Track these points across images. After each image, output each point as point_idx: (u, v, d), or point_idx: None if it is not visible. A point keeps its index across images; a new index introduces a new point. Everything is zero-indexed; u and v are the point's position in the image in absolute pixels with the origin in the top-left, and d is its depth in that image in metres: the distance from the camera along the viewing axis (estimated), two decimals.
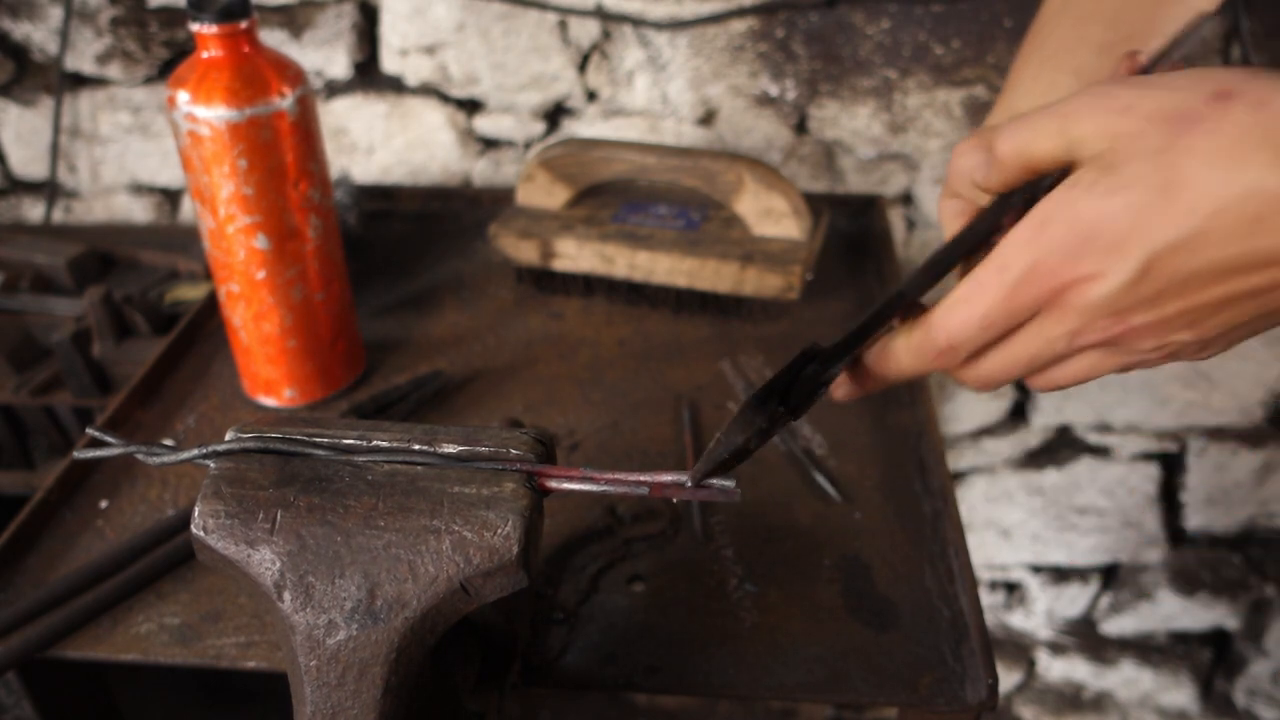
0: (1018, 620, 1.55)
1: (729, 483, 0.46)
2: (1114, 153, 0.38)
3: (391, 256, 1.05)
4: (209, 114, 0.70)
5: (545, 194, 0.97)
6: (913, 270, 0.46)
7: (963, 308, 0.42)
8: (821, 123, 1.15)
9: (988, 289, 0.41)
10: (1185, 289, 0.39)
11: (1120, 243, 0.38)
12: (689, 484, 0.44)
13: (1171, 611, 1.50)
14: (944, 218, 0.48)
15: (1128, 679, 1.58)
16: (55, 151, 1.21)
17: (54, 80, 1.19)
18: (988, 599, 1.52)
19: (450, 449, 0.46)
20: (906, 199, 1.20)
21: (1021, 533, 1.45)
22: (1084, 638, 1.55)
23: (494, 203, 1.13)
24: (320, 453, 0.46)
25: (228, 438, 0.47)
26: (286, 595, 0.44)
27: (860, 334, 0.46)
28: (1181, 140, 0.37)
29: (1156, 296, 0.39)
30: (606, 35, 1.12)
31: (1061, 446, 1.37)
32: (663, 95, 1.15)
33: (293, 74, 0.73)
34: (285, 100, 0.72)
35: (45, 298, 1.04)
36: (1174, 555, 1.45)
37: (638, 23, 1.10)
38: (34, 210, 1.28)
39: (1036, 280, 0.40)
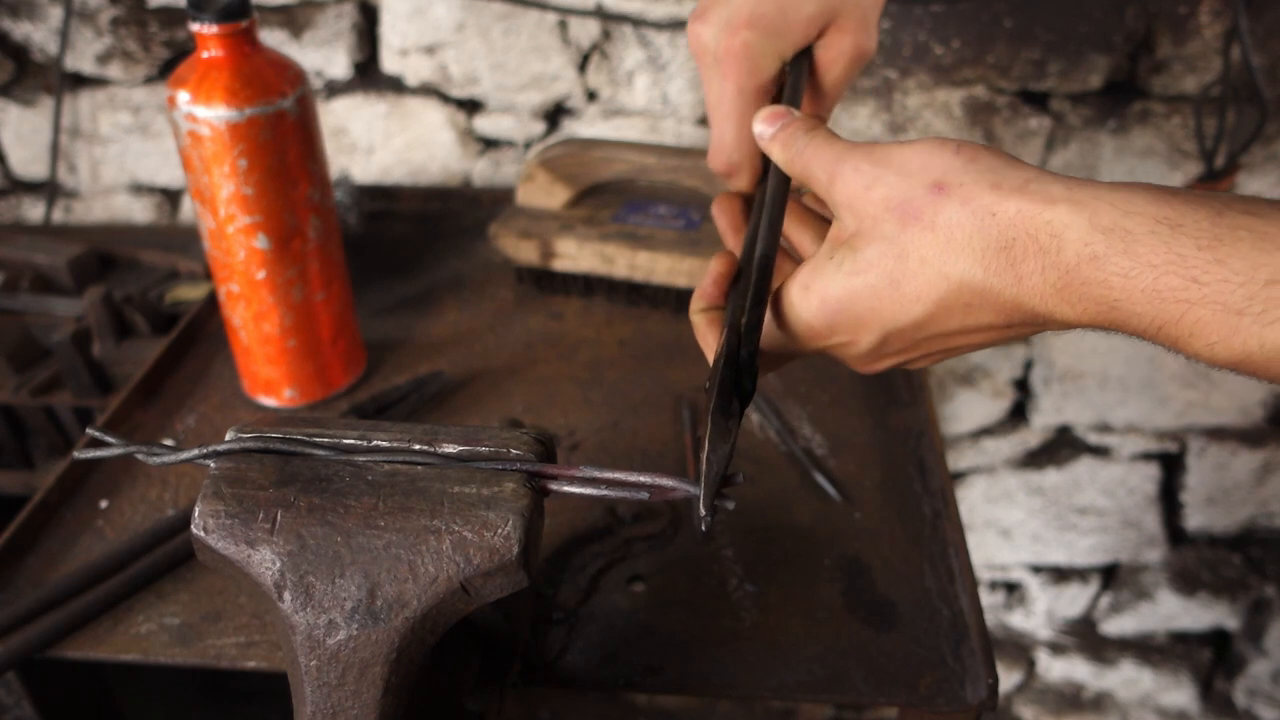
0: (1018, 620, 1.55)
1: (736, 475, 0.46)
2: (859, 235, 0.44)
3: (391, 256, 1.05)
4: (209, 114, 0.70)
5: (545, 194, 0.97)
6: (764, 229, 0.51)
7: (766, 334, 0.49)
8: None
9: (774, 335, 0.48)
10: (920, 346, 0.46)
11: (863, 321, 0.45)
12: (703, 513, 0.46)
13: (1171, 611, 1.50)
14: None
15: (1128, 679, 1.58)
16: (55, 151, 1.21)
17: (54, 80, 1.19)
18: (988, 599, 1.52)
19: (450, 449, 0.46)
20: None
21: (1021, 533, 1.45)
22: (1084, 638, 1.55)
23: (494, 203, 1.13)
24: (320, 453, 0.46)
25: (228, 438, 0.47)
26: (286, 595, 0.44)
27: (757, 303, 0.49)
28: (906, 232, 0.42)
29: (899, 351, 0.46)
30: (606, 35, 1.12)
31: (1061, 446, 1.37)
32: (663, 95, 1.15)
33: (293, 74, 0.73)
34: (285, 100, 0.72)
35: (45, 298, 1.04)
36: (1174, 555, 1.45)
37: (638, 23, 1.10)
38: (34, 210, 1.28)
39: (809, 340, 0.48)
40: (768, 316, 0.48)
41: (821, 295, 0.45)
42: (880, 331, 0.45)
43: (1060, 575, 1.49)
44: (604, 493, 0.46)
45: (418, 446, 0.46)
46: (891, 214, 0.42)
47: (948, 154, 0.42)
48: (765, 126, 0.51)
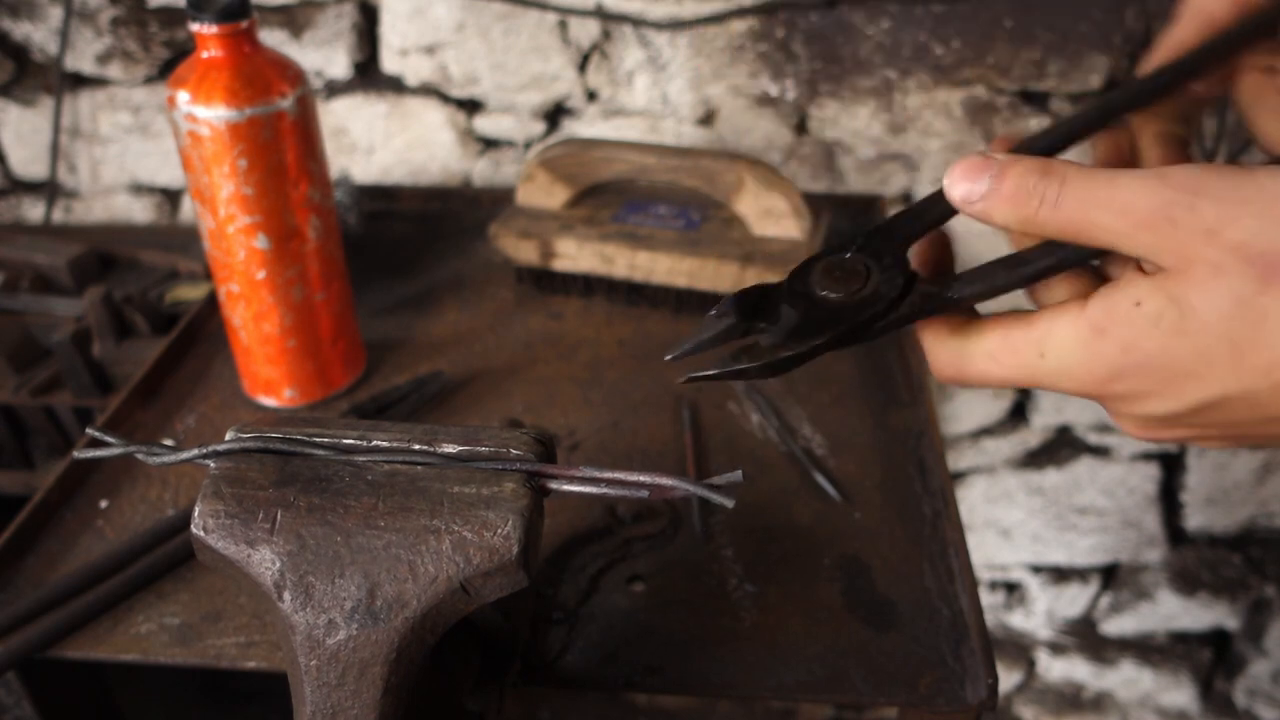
0: (1018, 620, 1.55)
1: (736, 474, 0.45)
2: (1187, 285, 0.34)
3: (391, 256, 1.05)
4: (209, 114, 0.70)
5: (545, 194, 0.97)
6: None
7: (992, 369, 0.40)
8: (821, 123, 1.15)
9: (1018, 371, 0.39)
10: (1234, 428, 0.37)
11: (1173, 382, 0.35)
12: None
13: (1171, 611, 1.50)
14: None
15: (1128, 679, 1.58)
16: (55, 151, 1.21)
17: (54, 80, 1.19)
18: (988, 599, 1.52)
19: (450, 449, 0.46)
20: (906, 199, 1.20)
21: (1021, 533, 1.45)
22: (1084, 638, 1.55)
23: (494, 203, 1.13)
24: (320, 453, 0.46)
25: (228, 438, 0.47)
26: (286, 595, 0.44)
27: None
28: (1268, 292, 0.33)
29: (1203, 425, 0.37)
30: (606, 35, 1.12)
31: (1061, 446, 1.37)
32: (663, 95, 1.15)
33: (293, 74, 0.73)
34: (285, 100, 0.72)
35: (45, 298, 1.04)
36: (1174, 555, 1.45)
37: (638, 23, 1.10)
38: (34, 210, 1.28)
39: (1077, 384, 0.38)
40: (1016, 332, 0.39)
41: (1124, 344, 0.36)
42: (1195, 399, 0.36)
43: (1060, 575, 1.49)
44: (604, 492, 0.46)
45: (418, 446, 0.46)
46: (1251, 266, 0.33)
47: None
48: (967, 184, 0.39)
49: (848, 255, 0.42)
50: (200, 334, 0.93)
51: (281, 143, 0.72)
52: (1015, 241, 0.42)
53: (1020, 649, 1.58)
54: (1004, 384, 0.40)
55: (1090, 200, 0.36)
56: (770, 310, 0.42)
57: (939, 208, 0.42)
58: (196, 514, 0.45)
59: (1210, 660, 1.55)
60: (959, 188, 0.39)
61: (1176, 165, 0.35)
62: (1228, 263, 0.33)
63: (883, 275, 0.41)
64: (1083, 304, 0.37)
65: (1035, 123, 1.14)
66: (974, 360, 0.40)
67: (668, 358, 0.43)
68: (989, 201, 0.38)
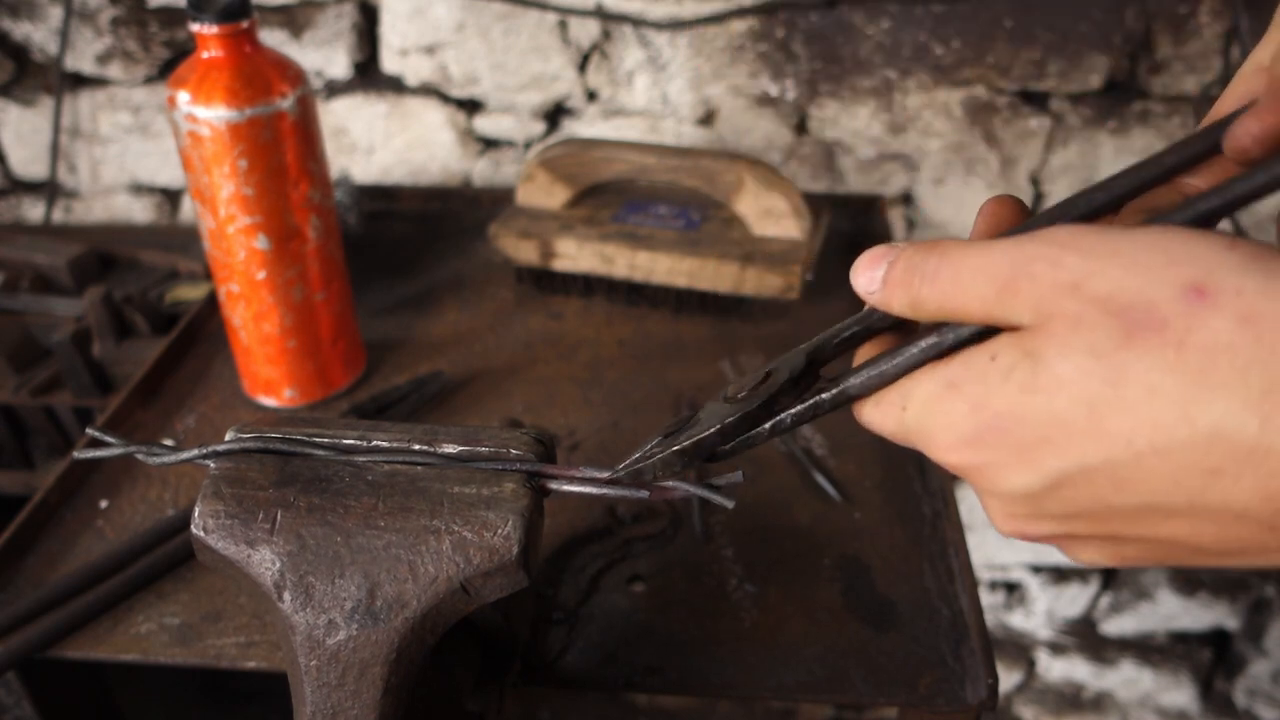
0: (1018, 620, 1.55)
1: (736, 474, 0.45)
2: (1043, 338, 0.31)
3: (391, 256, 1.05)
4: (209, 114, 0.70)
5: (545, 194, 0.97)
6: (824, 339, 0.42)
7: (875, 417, 0.39)
8: (821, 123, 1.15)
9: (886, 423, 0.38)
10: (1106, 521, 0.32)
11: (1030, 446, 0.32)
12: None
13: (1171, 611, 1.50)
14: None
15: (1128, 679, 1.58)
16: (55, 151, 1.21)
17: (54, 80, 1.19)
18: (988, 599, 1.52)
19: (450, 449, 0.46)
20: (906, 199, 1.20)
21: None
22: (1084, 638, 1.55)
23: (494, 203, 1.13)
24: (320, 453, 0.46)
25: (228, 438, 0.47)
26: (286, 595, 0.44)
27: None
28: (1132, 348, 0.29)
29: (1070, 515, 0.33)
30: (606, 35, 1.12)
31: None
32: (663, 95, 1.15)
33: (293, 74, 0.73)
34: (286, 100, 0.72)
35: (45, 298, 1.04)
36: None
37: (638, 23, 1.10)
38: (34, 210, 1.28)
39: (938, 448, 0.35)
40: (889, 386, 0.38)
41: (974, 402, 0.33)
42: (1051, 470, 0.32)
43: (1060, 575, 1.49)
44: (604, 492, 0.46)
45: (418, 446, 0.46)
46: (1111, 320, 0.30)
47: (1215, 247, 0.29)
48: (868, 273, 0.37)
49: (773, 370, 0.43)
50: (200, 334, 0.93)
51: (282, 143, 0.72)
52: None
53: (1020, 649, 1.58)
54: (888, 435, 0.38)
55: (960, 268, 0.33)
56: (693, 423, 0.44)
57: (857, 326, 0.42)
58: (196, 514, 0.45)
59: (1210, 660, 1.55)
60: (860, 279, 0.37)
61: (1055, 226, 0.32)
62: (1088, 316, 0.30)
63: (788, 376, 0.41)
64: (948, 360, 0.35)
65: (1035, 123, 1.14)
66: (862, 407, 0.39)
67: (620, 469, 0.44)
68: (885, 290, 0.36)
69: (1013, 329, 0.32)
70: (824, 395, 0.40)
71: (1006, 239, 0.32)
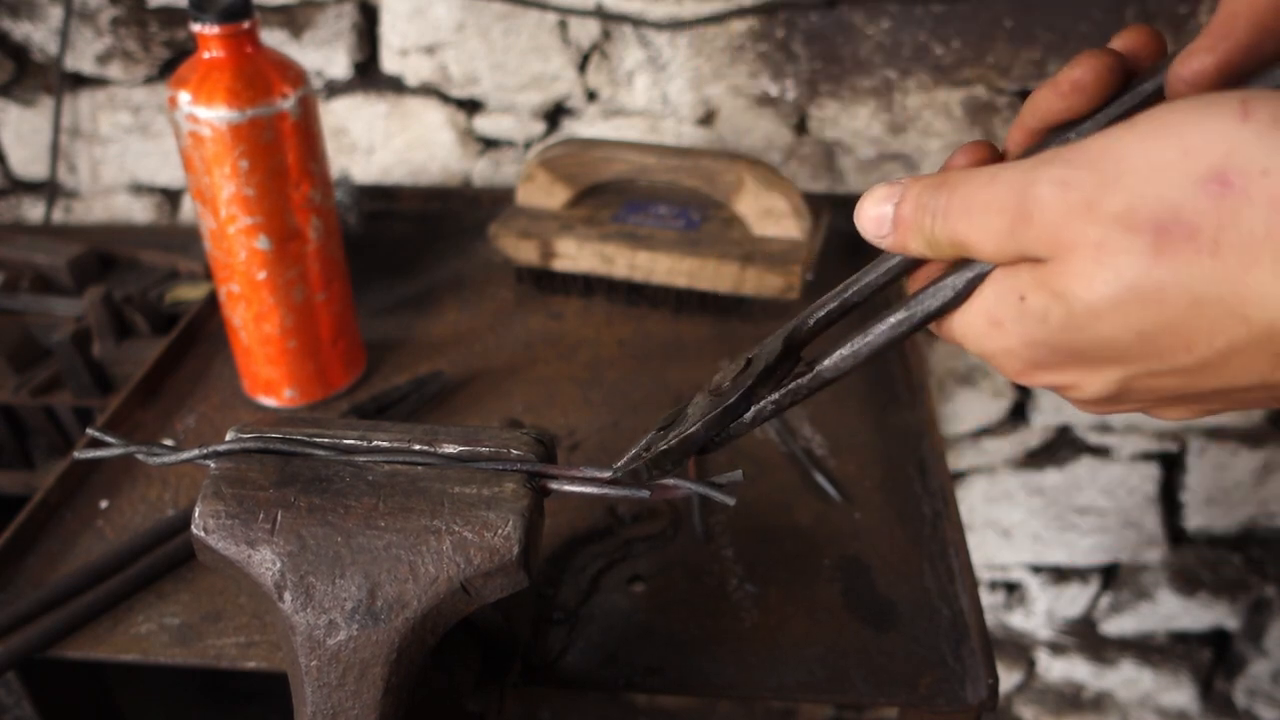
0: (1018, 620, 1.55)
1: (736, 473, 0.45)
2: (1068, 276, 0.29)
3: (391, 256, 1.05)
4: (210, 114, 0.70)
5: (545, 194, 0.97)
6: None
7: (967, 335, 0.36)
8: (821, 123, 1.15)
9: (968, 347, 0.36)
10: (1182, 399, 0.33)
11: (1091, 366, 0.32)
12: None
13: (1171, 611, 1.50)
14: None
15: (1128, 679, 1.58)
16: (55, 151, 1.21)
17: (54, 80, 1.19)
18: (988, 599, 1.52)
19: (451, 449, 0.46)
20: None
21: (1021, 533, 1.45)
22: (1084, 638, 1.55)
23: (494, 203, 1.13)
24: (320, 453, 0.46)
25: (228, 438, 0.47)
26: (287, 595, 0.44)
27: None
28: (1164, 263, 0.27)
29: (1151, 399, 0.33)
30: (606, 35, 1.12)
31: (1061, 446, 1.37)
32: (663, 95, 1.15)
33: (294, 74, 0.73)
34: (287, 101, 0.72)
35: (45, 298, 1.04)
36: (1174, 555, 1.45)
37: (638, 23, 1.10)
38: (34, 210, 1.28)
39: (1004, 371, 0.35)
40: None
41: (1023, 339, 0.32)
42: (1120, 377, 0.32)
43: (1060, 575, 1.49)
44: (604, 492, 0.46)
45: (418, 447, 0.46)
46: (1138, 236, 0.27)
47: (1227, 123, 0.26)
48: (876, 213, 0.35)
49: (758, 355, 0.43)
50: (200, 334, 0.93)
51: (283, 143, 0.72)
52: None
53: (1020, 649, 1.58)
54: (980, 355, 0.36)
55: (969, 201, 0.31)
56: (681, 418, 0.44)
57: (833, 303, 0.42)
58: (197, 514, 0.45)
59: (1210, 660, 1.55)
60: (867, 223, 0.35)
61: (1047, 151, 0.30)
62: (1111, 239, 0.28)
63: (765, 364, 0.42)
64: (982, 291, 0.33)
65: None
66: (948, 324, 0.37)
67: (618, 468, 0.44)
68: (897, 233, 0.34)
69: (1035, 261, 0.31)
70: (801, 380, 0.41)
71: (1013, 164, 0.31)
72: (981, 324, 0.33)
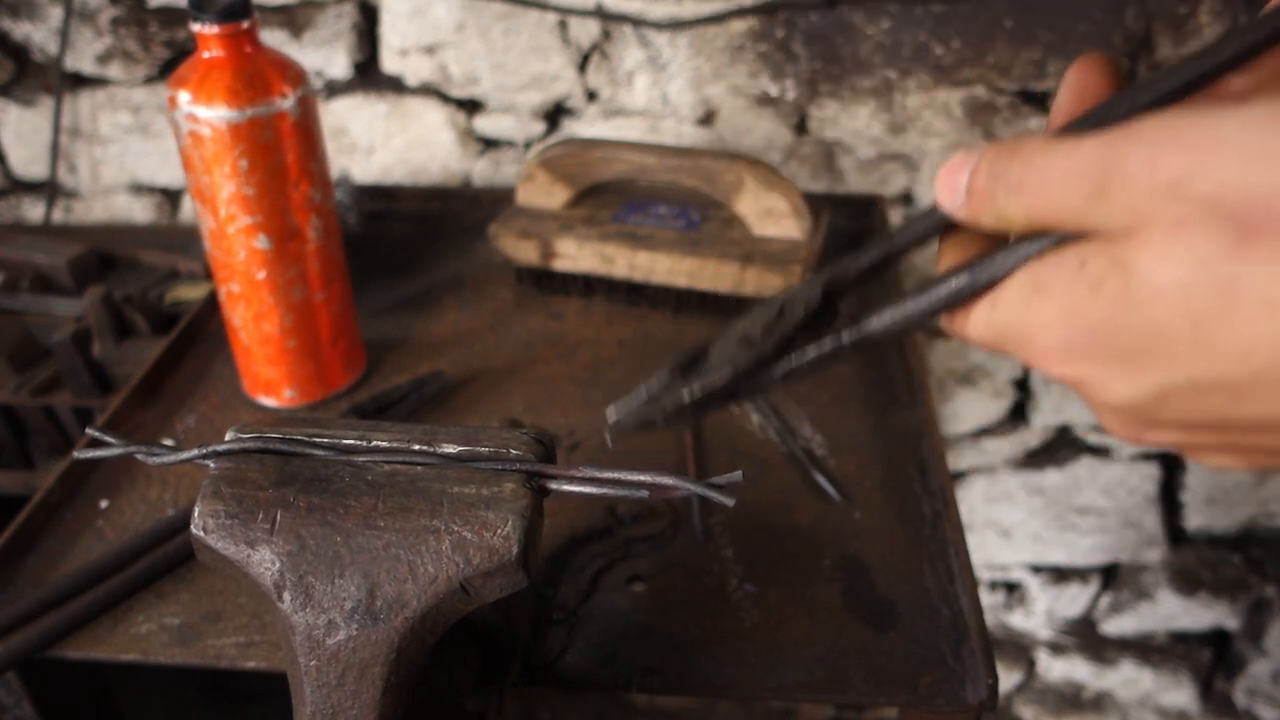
0: (1018, 620, 1.55)
1: (736, 474, 0.44)
2: (1137, 247, 0.27)
3: (391, 256, 1.05)
4: (210, 114, 0.70)
5: (545, 194, 0.97)
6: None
7: (965, 323, 0.35)
8: (821, 123, 1.15)
9: (977, 328, 0.34)
10: (1223, 430, 0.30)
11: (1130, 357, 0.29)
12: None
13: (1171, 611, 1.50)
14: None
15: (1128, 679, 1.58)
16: (55, 151, 1.21)
17: (54, 80, 1.19)
18: (988, 599, 1.52)
19: (450, 449, 0.46)
20: (906, 199, 1.20)
21: (1021, 533, 1.45)
22: (1084, 638, 1.55)
23: (494, 203, 1.13)
24: (320, 453, 0.46)
25: (228, 438, 0.47)
26: (286, 595, 0.44)
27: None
28: (1246, 255, 0.25)
29: (1187, 425, 0.30)
30: (606, 35, 1.12)
31: (1061, 446, 1.37)
32: (663, 95, 1.15)
33: (294, 74, 0.73)
34: (287, 101, 0.72)
35: (45, 298, 1.04)
36: (1174, 555, 1.45)
37: (638, 23, 1.10)
38: (34, 210, 1.28)
39: (1026, 352, 0.32)
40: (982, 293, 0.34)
41: (1065, 309, 0.30)
42: (1156, 383, 0.29)
43: (1060, 575, 1.49)
44: (604, 492, 0.46)
45: (417, 447, 0.46)
46: (1223, 222, 0.26)
47: None
48: (950, 188, 0.33)
49: (784, 303, 0.39)
50: (200, 334, 0.93)
51: (282, 143, 0.72)
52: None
53: (1020, 649, 1.58)
54: (980, 342, 0.34)
55: (1047, 174, 0.29)
56: (702, 364, 0.40)
57: (871, 253, 0.39)
58: (196, 514, 0.45)
59: (1210, 660, 1.55)
60: (944, 192, 0.34)
61: (1152, 118, 0.28)
62: (1192, 219, 0.26)
63: (804, 313, 0.38)
64: (1040, 258, 0.31)
65: (1035, 123, 1.14)
66: (952, 316, 0.35)
67: (611, 421, 0.41)
68: (971, 203, 0.32)
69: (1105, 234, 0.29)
70: (844, 336, 0.37)
71: (1096, 136, 0.29)
72: (1024, 290, 0.31)
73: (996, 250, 0.33)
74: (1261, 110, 0.26)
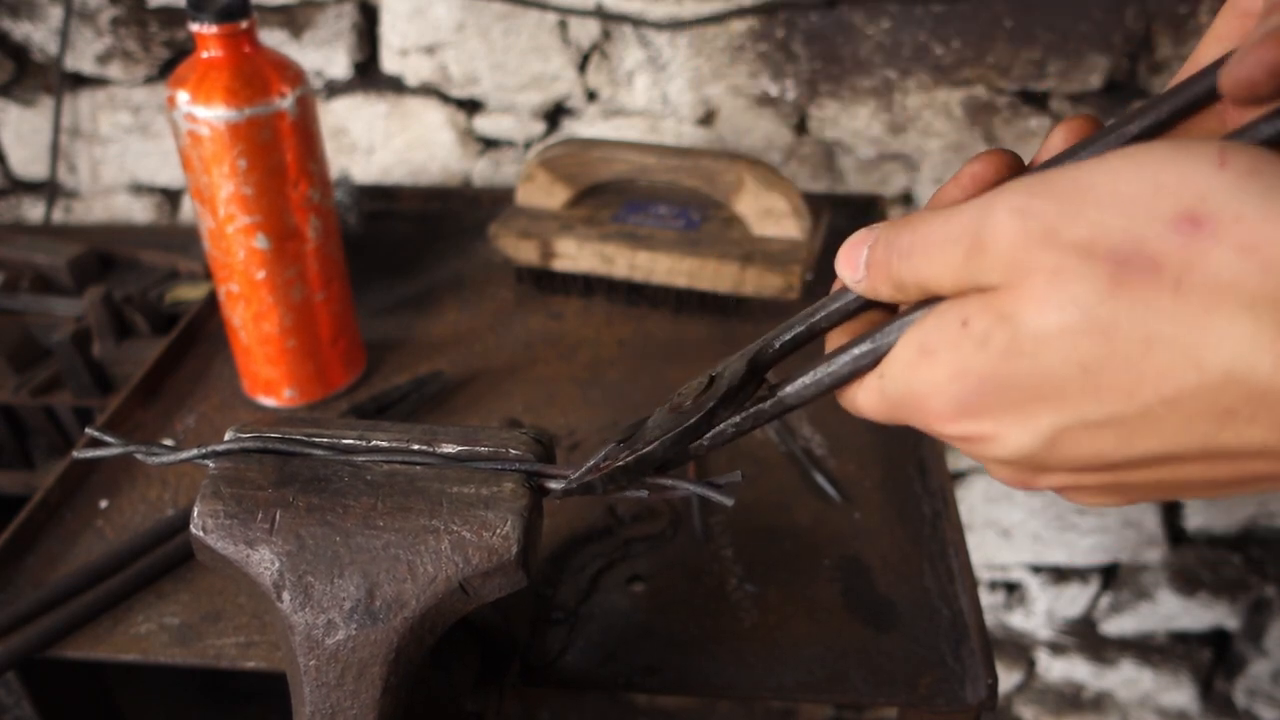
0: (1018, 620, 1.55)
1: (735, 474, 0.45)
2: (1019, 299, 0.28)
3: (391, 256, 1.05)
4: (209, 114, 0.70)
5: (545, 194, 0.97)
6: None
7: (858, 397, 0.36)
8: (821, 123, 1.15)
9: (870, 400, 0.35)
10: (1111, 469, 0.30)
11: (1022, 405, 0.29)
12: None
13: (1171, 611, 1.50)
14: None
15: (1128, 679, 1.58)
16: (55, 151, 1.21)
17: (54, 80, 1.19)
18: (988, 599, 1.52)
19: (449, 449, 0.46)
20: (906, 199, 1.20)
21: (1021, 533, 1.45)
22: (1084, 638, 1.55)
23: (494, 203, 1.13)
24: (319, 453, 0.46)
25: (227, 438, 0.47)
26: (286, 595, 0.44)
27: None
28: (1122, 295, 0.26)
29: (1075, 467, 0.30)
30: (606, 35, 1.12)
31: None
32: (663, 95, 1.15)
33: (293, 74, 0.73)
34: (285, 100, 0.72)
35: (45, 298, 1.04)
36: (1174, 555, 1.45)
37: (638, 23, 1.10)
38: (34, 210, 1.28)
39: (919, 417, 0.33)
40: (868, 369, 0.35)
41: (954, 370, 0.30)
42: (1049, 426, 0.29)
43: (1060, 575, 1.49)
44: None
45: (417, 446, 0.46)
46: (1097, 265, 0.26)
47: (1204, 167, 0.26)
48: (852, 258, 0.35)
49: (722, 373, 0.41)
50: (200, 334, 0.93)
51: (281, 143, 0.72)
52: None
53: (1020, 649, 1.58)
54: (875, 415, 0.35)
55: (929, 238, 0.30)
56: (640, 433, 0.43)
57: (800, 326, 0.41)
58: (196, 514, 0.45)
59: (1210, 660, 1.55)
60: (845, 269, 0.35)
61: (1022, 176, 0.29)
62: (1068, 266, 0.27)
63: (728, 385, 0.40)
64: (921, 321, 0.32)
65: (1035, 123, 1.14)
66: (843, 392, 0.36)
67: (573, 480, 0.44)
68: (869, 276, 0.34)
69: (986, 290, 0.30)
70: (764, 405, 0.40)
71: (978, 198, 0.30)
72: (910, 354, 0.32)
73: (895, 318, 0.34)
74: (1121, 160, 0.27)
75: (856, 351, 0.35)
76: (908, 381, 0.32)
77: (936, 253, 0.30)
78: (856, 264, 0.34)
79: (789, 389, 0.38)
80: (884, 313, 0.38)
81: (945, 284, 0.31)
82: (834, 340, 0.39)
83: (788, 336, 0.41)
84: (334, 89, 1.18)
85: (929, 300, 0.32)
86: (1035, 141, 1.15)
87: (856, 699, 0.59)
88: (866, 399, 0.35)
